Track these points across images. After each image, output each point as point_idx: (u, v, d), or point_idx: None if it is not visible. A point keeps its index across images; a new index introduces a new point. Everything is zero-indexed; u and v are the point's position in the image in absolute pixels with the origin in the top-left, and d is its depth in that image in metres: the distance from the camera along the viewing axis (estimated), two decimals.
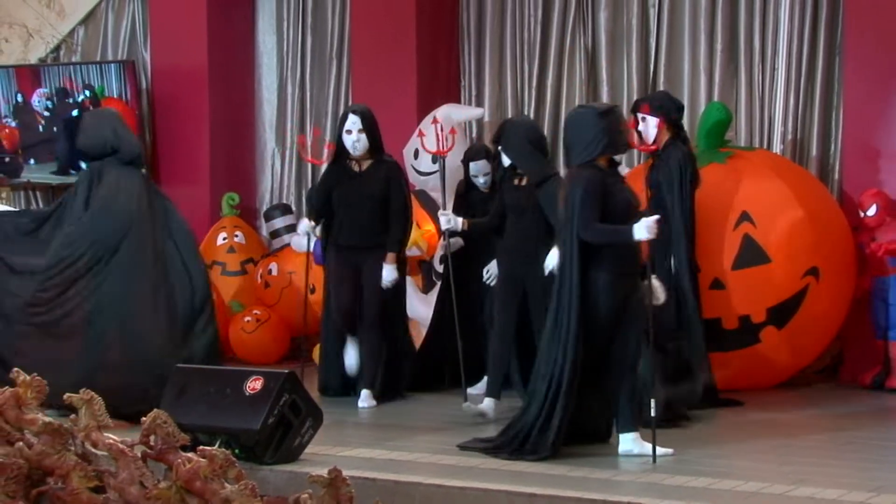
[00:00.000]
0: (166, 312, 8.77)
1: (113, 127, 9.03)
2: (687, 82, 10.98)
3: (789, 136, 10.56)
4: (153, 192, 9.12)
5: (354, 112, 9.31)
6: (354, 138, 9.14)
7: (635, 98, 10.93)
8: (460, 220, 8.82)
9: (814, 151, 10.50)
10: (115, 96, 12.27)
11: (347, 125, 9.20)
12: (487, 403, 8.57)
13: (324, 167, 9.72)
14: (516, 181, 8.68)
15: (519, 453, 7.26)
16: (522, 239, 8.58)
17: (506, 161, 8.74)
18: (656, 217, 7.22)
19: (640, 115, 8.89)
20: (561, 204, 7.44)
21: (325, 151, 9.60)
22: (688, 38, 11.00)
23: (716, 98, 10.62)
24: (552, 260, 7.94)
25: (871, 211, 9.57)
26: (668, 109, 8.96)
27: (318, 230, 9.47)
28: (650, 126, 8.83)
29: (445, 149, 8.99)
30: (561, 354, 7.23)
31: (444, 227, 8.84)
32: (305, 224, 9.44)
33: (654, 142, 8.82)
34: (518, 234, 8.62)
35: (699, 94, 10.84)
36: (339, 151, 9.33)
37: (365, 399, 9.23)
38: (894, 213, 9.61)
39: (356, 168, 9.27)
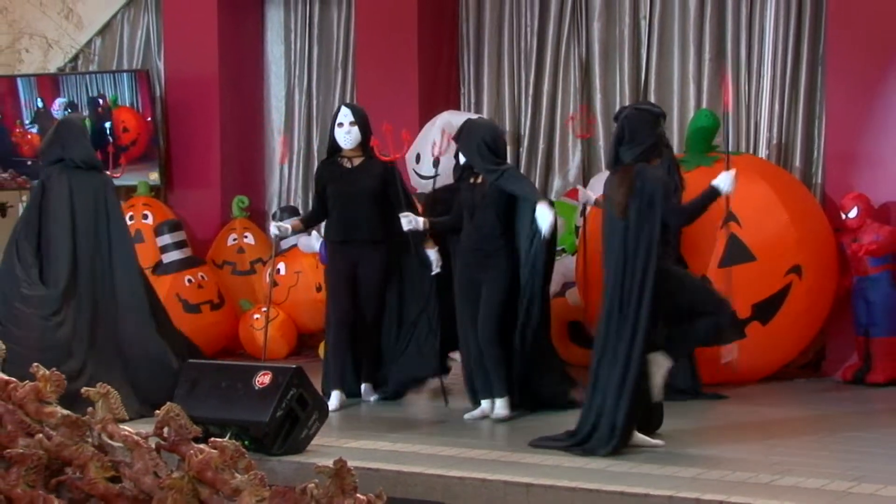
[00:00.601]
0: None
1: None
2: (677, 90, 10.99)
3: (774, 142, 10.57)
4: None
5: (346, 105, 9.24)
6: (346, 130, 8.97)
7: (626, 104, 10.97)
8: (421, 220, 8.69)
9: (797, 156, 10.51)
10: (128, 104, 12.29)
11: (339, 118, 9.05)
12: (485, 405, 8.45)
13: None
14: (472, 180, 8.54)
15: (589, 448, 7.17)
16: (476, 237, 8.43)
17: (462, 160, 8.64)
18: (733, 171, 7.30)
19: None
20: (623, 199, 7.18)
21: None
22: (677, 49, 11.01)
23: (704, 105, 10.64)
24: (545, 220, 7.97)
25: (853, 213, 9.56)
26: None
27: (289, 230, 9.36)
28: None
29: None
30: (628, 345, 7.13)
31: (405, 227, 8.66)
32: (274, 226, 9.19)
33: None
34: (473, 232, 8.46)
35: (688, 102, 10.85)
36: (332, 148, 9.17)
37: (367, 393, 9.18)
38: (874, 215, 9.61)
39: (348, 164, 9.08)
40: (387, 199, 9.03)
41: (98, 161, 9.36)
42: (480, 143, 8.37)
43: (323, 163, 9.34)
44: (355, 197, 8.97)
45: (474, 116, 11.25)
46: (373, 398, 9.18)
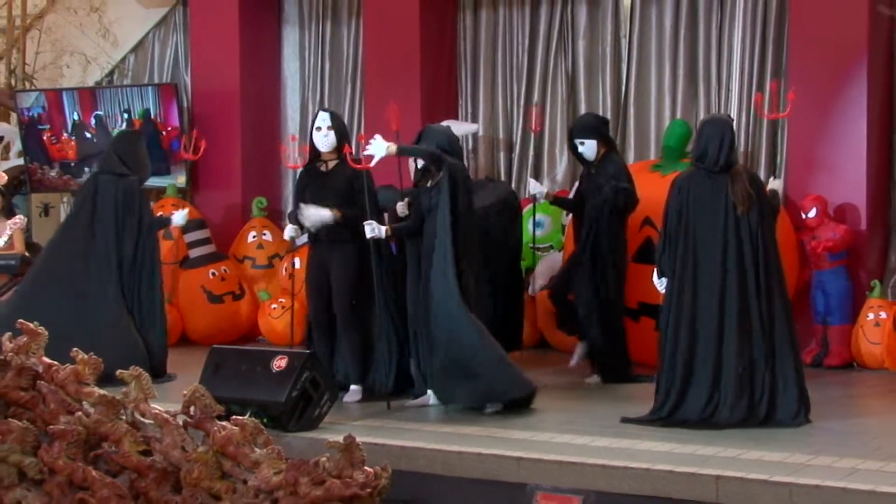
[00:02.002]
0: None
1: None
2: (654, 102, 11.00)
3: (742, 149, 10.56)
4: None
5: (325, 110, 8.91)
6: (323, 134, 8.55)
7: (609, 117, 10.98)
8: (384, 228, 8.18)
9: (762, 162, 10.51)
10: (154, 114, 12.33)
11: (318, 122, 8.65)
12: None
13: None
14: (428, 183, 8.21)
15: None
16: (429, 238, 8.04)
17: (419, 164, 8.38)
18: None
19: (578, 141, 8.95)
20: (745, 200, 7.26)
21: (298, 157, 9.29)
22: (654, 65, 11.01)
23: (678, 115, 10.65)
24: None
25: (812, 213, 9.58)
26: (602, 129, 9.07)
27: (301, 230, 8.90)
28: (590, 148, 8.91)
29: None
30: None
31: (368, 235, 8.13)
32: (290, 228, 8.82)
33: (596, 158, 8.93)
34: (427, 233, 8.09)
35: (664, 112, 10.86)
36: (312, 155, 8.75)
37: (353, 394, 8.41)
38: (831, 215, 9.62)
39: (323, 168, 8.63)
40: (357, 201, 8.49)
41: (127, 169, 9.58)
42: (433, 145, 8.10)
43: (303, 170, 8.88)
44: (325, 198, 8.45)
45: (473, 126, 11.32)
46: (356, 398, 8.41)
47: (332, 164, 8.59)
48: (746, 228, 7.29)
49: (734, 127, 7.67)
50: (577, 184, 9.68)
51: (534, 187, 9.33)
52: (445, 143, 8.16)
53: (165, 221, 9.90)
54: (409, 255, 8.31)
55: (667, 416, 7.30)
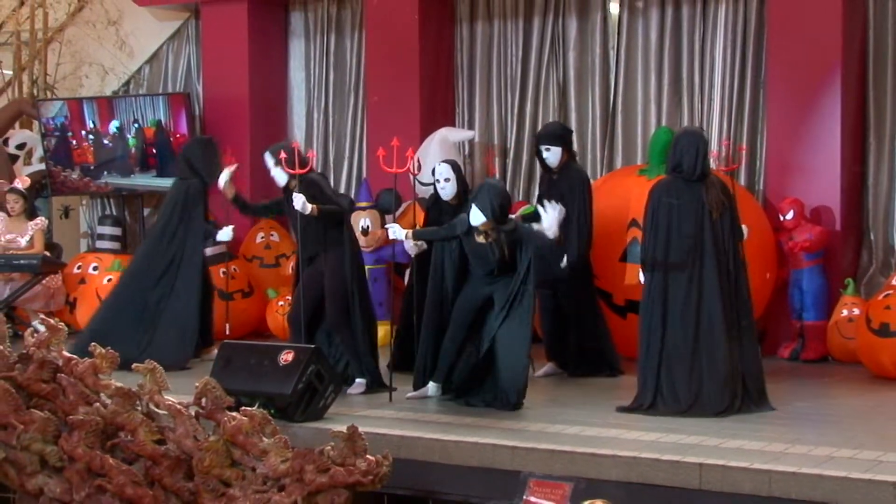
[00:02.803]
0: None
1: None
2: (640, 110, 10.99)
3: (723, 154, 10.56)
4: None
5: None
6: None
7: (597, 124, 11.00)
8: (404, 231, 8.05)
9: (743, 166, 10.50)
10: (165, 123, 12.36)
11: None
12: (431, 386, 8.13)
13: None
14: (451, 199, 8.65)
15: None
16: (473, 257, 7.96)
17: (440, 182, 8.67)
18: None
19: (543, 147, 8.88)
20: (719, 206, 7.55)
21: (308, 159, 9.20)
22: (641, 75, 11.01)
23: (663, 123, 10.64)
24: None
25: (789, 215, 9.58)
26: (566, 138, 9.01)
27: None
28: (555, 154, 8.84)
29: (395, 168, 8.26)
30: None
31: (390, 237, 8.26)
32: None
33: (558, 165, 8.86)
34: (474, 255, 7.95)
35: (650, 120, 10.85)
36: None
37: (357, 387, 8.33)
38: (808, 217, 9.63)
39: (291, 186, 8.40)
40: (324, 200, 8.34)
41: (191, 173, 9.91)
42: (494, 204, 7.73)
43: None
44: (295, 217, 8.32)
45: (469, 133, 11.30)
46: (360, 391, 8.34)
47: (292, 184, 8.41)
48: (719, 232, 7.54)
49: (706, 137, 7.95)
50: (538, 190, 9.55)
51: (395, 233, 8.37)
52: (497, 206, 7.67)
53: (211, 232, 9.92)
54: (436, 259, 8.21)
55: (649, 405, 7.43)
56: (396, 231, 8.09)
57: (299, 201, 8.08)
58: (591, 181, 10.01)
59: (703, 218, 7.50)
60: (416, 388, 8.18)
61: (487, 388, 7.83)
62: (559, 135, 9.02)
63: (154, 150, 12.41)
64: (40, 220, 11.51)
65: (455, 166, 8.82)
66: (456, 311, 7.97)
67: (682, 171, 7.59)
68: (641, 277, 7.70)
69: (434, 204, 9.12)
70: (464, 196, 8.67)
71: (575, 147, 10.93)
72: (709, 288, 7.46)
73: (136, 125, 12.43)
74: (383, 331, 9.55)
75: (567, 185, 8.74)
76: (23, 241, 11.30)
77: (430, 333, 8.14)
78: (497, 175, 11.39)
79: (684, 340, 7.44)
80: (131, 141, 12.48)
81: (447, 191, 8.71)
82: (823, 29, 9.66)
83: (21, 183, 11.67)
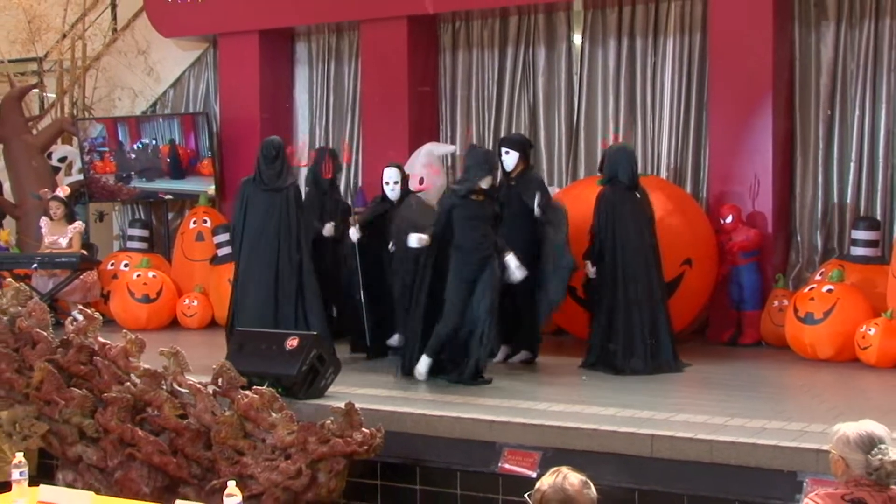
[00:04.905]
0: None
1: None
2: (600, 127, 10.98)
3: (671, 166, 10.59)
4: None
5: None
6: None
7: (563, 141, 11.00)
8: (425, 236, 7.89)
9: (689, 177, 10.52)
10: (179, 141, 12.35)
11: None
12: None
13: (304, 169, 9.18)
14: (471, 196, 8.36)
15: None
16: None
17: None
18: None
19: (504, 150, 8.72)
20: (649, 208, 8.41)
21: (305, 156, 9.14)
22: (600, 97, 11.00)
23: (620, 139, 10.62)
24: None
25: (729, 219, 9.59)
26: (525, 146, 8.85)
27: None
28: (513, 158, 8.64)
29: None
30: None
31: (412, 244, 7.92)
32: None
33: (513, 170, 8.67)
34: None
35: (608, 137, 10.84)
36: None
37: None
38: (744, 221, 9.64)
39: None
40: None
41: (279, 181, 8.74)
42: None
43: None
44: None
45: (451, 147, 11.28)
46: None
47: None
48: (649, 229, 8.29)
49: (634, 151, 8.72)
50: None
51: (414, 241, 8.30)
52: (492, 164, 8.18)
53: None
54: (440, 256, 7.96)
55: (594, 363, 8.23)
56: (418, 239, 7.89)
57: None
58: (558, 189, 10.04)
59: (641, 218, 8.24)
60: (405, 372, 8.01)
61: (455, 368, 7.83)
62: (518, 140, 8.88)
63: (168, 160, 12.42)
64: (78, 224, 11.49)
65: (402, 171, 8.77)
66: (452, 298, 7.73)
67: (621, 181, 8.19)
68: (588, 267, 8.35)
69: (381, 202, 8.98)
70: (405, 198, 8.75)
71: (540, 157, 11.06)
72: (648, 274, 8.23)
73: (154, 141, 12.42)
74: None
75: (524, 186, 8.53)
76: (63, 242, 11.30)
77: (418, 322, 8.02)
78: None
79: (627, 315, 8.15)
80: (152, 153, 12.52)
81: (396, 192, 8.68)
82: (757, 59, 9.68)
83: (62, 192, 11.66)
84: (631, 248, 8.18)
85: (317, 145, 12.47)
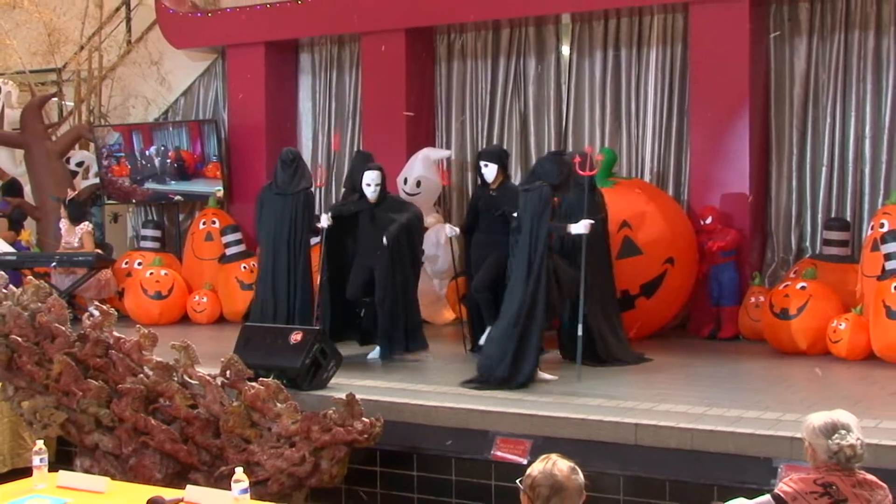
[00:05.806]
0: None
1: None
2: (587, 134, 10.98)
3: (655, 170, 10.59)
4: None
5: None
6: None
7: (552, 146, 10.99)
8: (456, 229, 8.84)
9: (671, 180, 10.52)
10: (186, 147, 12.34)
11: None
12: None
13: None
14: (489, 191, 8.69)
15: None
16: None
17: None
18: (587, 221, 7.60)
19: (482, 163, 8.63)
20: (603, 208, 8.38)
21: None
22: (587, 106, 10.99)
23: (606, 145, 10.64)
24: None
25: (708, 220, 9.60)
26: (503, 158, 8.72)
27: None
28: (492, 171, 8.55)
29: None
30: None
31: (448, 235, 8.95)
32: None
33: (493, 181, 8.58)
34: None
35: (595, 142, 10.82)
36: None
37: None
38: (723, 222, 9.64)
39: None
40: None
41: (290, 187, 8.85)
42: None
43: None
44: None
45: (447, 152, 11.28)
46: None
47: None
48: (599, 227, 8.09)
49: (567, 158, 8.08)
50: (471, 201, 9.13)
51: (449, 231, 8.93)
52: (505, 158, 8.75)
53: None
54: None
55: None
56: (451, 229, 8.84)
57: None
58: None
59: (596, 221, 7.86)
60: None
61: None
62: (496, 153, 8.74)
63: (175, 165, 12.40)
64: (85, 225, 11.45)
65: (383, 174, 8.65)
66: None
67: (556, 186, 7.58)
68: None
69: (358, 201, 8.79)
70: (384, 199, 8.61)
71: (530, 163, 11.02)
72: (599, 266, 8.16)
73: (163, 147, 12.42)
74: None
75: (505, 198, 8.40)
76: (74, 242, 11.29)
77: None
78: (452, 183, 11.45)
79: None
80: (162, 158, 12.51)
81: (375, 193, 8.51)
82: (735, 70, 9.68)
83: (69, 193, 11.75)
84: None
85: (319, 150, 12.49)
